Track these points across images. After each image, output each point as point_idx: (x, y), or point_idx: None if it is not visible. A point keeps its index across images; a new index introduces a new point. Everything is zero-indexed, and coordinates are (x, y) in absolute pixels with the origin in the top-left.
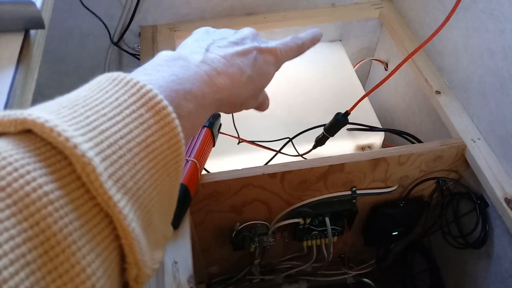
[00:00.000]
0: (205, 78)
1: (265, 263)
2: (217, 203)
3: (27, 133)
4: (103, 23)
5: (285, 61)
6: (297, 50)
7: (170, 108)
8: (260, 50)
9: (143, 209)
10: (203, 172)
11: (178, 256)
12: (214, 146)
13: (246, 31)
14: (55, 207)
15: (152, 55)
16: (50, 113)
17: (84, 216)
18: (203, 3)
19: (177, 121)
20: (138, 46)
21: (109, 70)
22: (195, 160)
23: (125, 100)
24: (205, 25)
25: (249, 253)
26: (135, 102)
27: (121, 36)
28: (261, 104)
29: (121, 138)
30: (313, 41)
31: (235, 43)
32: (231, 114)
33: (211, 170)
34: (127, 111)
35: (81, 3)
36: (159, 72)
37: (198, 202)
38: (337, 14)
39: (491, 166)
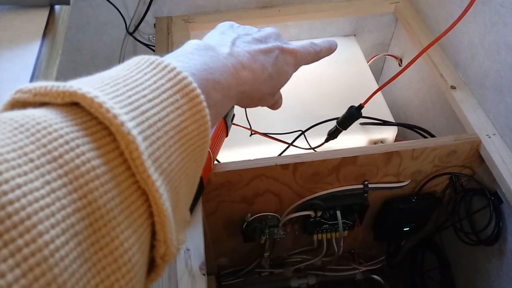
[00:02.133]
0: (231, 70)
1: (274, 256)
2: (229, 193)
3: (74, 106)
4: (120, 13)
5: (302, 64)
6: (315, 55)
7: (202, 97)
8: (282, 50)
9: (173, 190)
10: (215, 162)
11: (191, 243)
12: (227, 136)
13: (270, 30)
14: (101, 182)
15: (167, 46)
16: (95, 89)
17: (124, 192)
18: None
19: (207, 110)
20: (153, 37)
21: (124, 61)
22: (209, 149)
23: (163, 84)
24: (219, 18)
25: (259, 245)
26: (172, 87)
27: (137, 27)
28: (276, 102)
29: (159, 120)
30: (330, 50)
31: (259, 41)
32: None
33: (223, 161)
34: (165, 95)
35: None
36: (191, 60)
37: (210, 191)
38: (352, 8)
39: (506, 161)
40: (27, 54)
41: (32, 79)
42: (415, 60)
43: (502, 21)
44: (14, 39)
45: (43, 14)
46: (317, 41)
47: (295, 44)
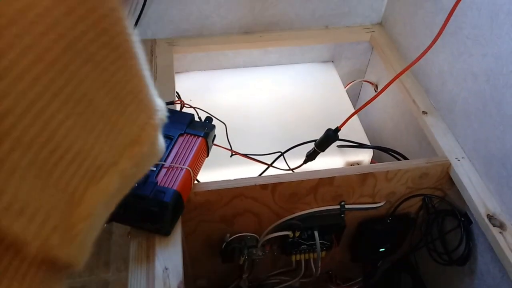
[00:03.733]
0: None
1: (253, 277)
2: (209, 212)
3: None
4: None
5: None
6: None
7: None
8: None
9: None
10: (195, 182)
11: (169, 262)
12: (207, 156)
13: None
14: None
15: (150, 68)
16: None
17: None
18: (202, 20)
19: None
20: None
21: None
22: (189, 168)
23: None
24: (202, 42)
25: (238, 266)
26: None
27: None
28: None
29: None
30: None
31: None
32: (224, 128)
33: (204, 181)
34: None
35: None
36: None
37: (190, 211)
38: (330, 36)
39: (474, 183)
40: None
41: None
42: (388, 86)
43: (468, 51)
44: None
45: None
46: None
47: None
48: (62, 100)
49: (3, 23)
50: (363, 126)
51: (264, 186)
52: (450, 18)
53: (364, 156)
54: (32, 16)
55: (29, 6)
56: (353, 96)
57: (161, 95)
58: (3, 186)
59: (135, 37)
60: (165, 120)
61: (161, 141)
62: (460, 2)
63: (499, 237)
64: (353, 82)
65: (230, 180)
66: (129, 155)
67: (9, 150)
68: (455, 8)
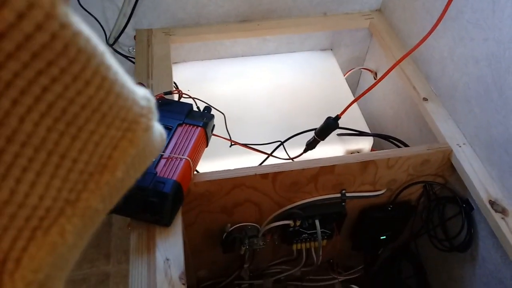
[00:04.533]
0: None
1: (254, 267)
2: (209, 203)
3: None
4: (100, 24)
5: None
6: None
7: None
8: None
9: None
10: (195, 172)
11: (170, 253)
12: (207, 146)
13: None
14: None
15: (146, 58)
16: None
17: None
18: (198, 9)
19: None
20: (133, 49)
21: None
22: (189, 159)
23: None
24: (199, 31)
25: (239, 256)
26: None
27: (117, 39)
28: None
29: None
30: None
31: None
32: (223, 118)
33: (203, 172)
34: None
35: (79, 3)
36: None
37: (190, 201)
38: (328, 23)
39: (476, 169)
40: None
41: None
42: (388, 73)
43: (469, 36)
44: None
45: None
46: None
47: None
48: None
49: None
50: (363, 114)
51: (264, 176)
52: (451, 2)
53: (365, 144)
54: None
55: None
56: (353, 84)
57: (159, 86)
58: None
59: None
60: (153, 110)
61: (157, 136)
62: None
63: (501, 223)
64: (352, 70)
65: (230, 170)
66: (124, 157)
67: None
68: None
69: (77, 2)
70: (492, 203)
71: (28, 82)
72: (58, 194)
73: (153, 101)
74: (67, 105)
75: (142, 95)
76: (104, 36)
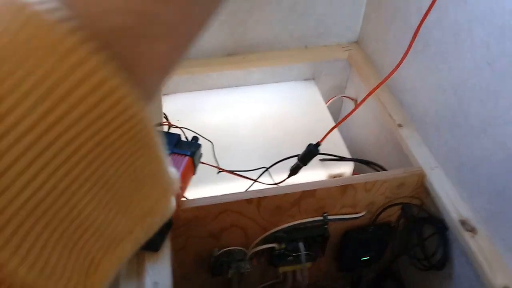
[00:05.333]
0: None
1: None
2: (197, 228)
3: None
4: None
5: None
6: None
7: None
8: None
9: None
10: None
11: (159, 277)
12: (194, 174)
13: None
14: None
15: None
16: None
17: None
18: None
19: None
20: None
21: None
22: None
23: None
24: (187, 64)
25: (227, 280)
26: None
27: None
28: None
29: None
30: None
31: None
32: (211, 146)
33: (191, 198)
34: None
35: None
36: None
37: (179, 227)
38: (309, 55)
39: (447, 191)
40: None
41: None
42: (363, 101)
43: (435, 66)
44: None
45: None
46: None
47: None
48: (89, 186)
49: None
50: (345, 141)
51: (249, 201)
52: (416, 37)
53: (346, 169)
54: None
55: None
56: (335, 111)
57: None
58: (34, 247)
59: (152, 122)
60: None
61: (173, 205)
62: (427, 21)
63: (470, 241)
64: (333, 98)
65: (216, 196)
66: (143, 225)
67: (44, 225)
68: (419, 28)
69: None
70: (463, 222)
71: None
72: (125, 225)
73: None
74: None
75: (173, 174)
76: None
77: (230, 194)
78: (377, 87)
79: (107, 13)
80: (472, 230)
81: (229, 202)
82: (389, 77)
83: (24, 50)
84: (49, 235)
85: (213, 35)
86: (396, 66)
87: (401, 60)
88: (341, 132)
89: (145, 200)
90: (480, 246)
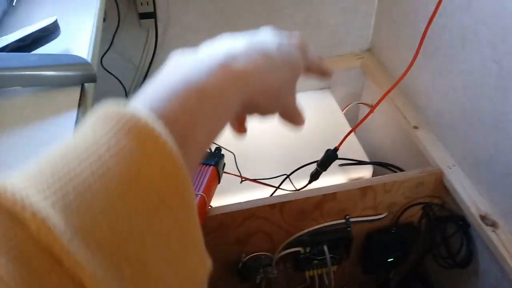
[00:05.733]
0: (219, 69)
1: None
2: (224, 235)
3: None
4: (120, 82)
5: (307, 62)
6: (315, 67)
7: (156, 123)
8: (290, 44)
9: (126, 261)
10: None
11: None
12: (219, 183)
13: (265, 28)
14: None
15: None
16: (22, 175)
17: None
18: None
19: (166, 137)
20: None
21: None
22: (204, 194)
23: (100, 130)
24: None
25: (255, 286)
26: (110, 129)
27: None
28: (297, 113)
29: (92, 174)
30: (324, 72)
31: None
32: (233, 157)
33: (216, 206)
34: (102, 141)
35: (101, 65)
36: (167, 77)
37: (206, 234)
38: None
39: (466, 188)
40: (69, 120)
41: None
42: (377, 105)
43: (446, 69)
44: (58, 109)
45: (77, 90)
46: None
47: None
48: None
49: None
50: (364, 145)
51: (272, 206)
52: (423, 41)
53: (365, 173)
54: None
55: None
56: (352, 118)
57: None
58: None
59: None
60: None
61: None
62: (434, 26)
63: (492, 236)
64: (349, 105)
65: (240, 202)
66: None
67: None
68: (426, 32)
69: (99, 63)
70: (483, 217)
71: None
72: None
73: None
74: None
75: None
76: (124, 92)
77: (253, 200)
78: (390, 90)
79: None
80: (493, 224)
81: (253, 208)
82: (400, 80)
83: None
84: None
85: None
86: (406, 70)
87: (410, 63)
88: (358, 137)
89: (188, 263)
90: (502, 239)
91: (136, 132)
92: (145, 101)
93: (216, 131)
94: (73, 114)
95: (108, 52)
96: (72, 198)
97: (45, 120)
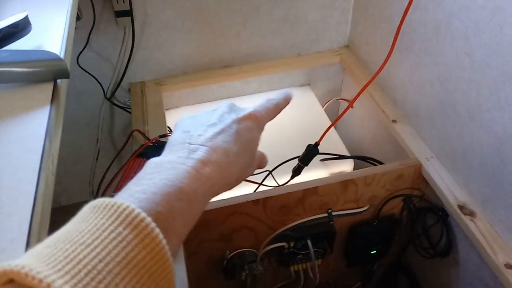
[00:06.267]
0: (192, 173)
1: None
2: (208, 232)
3: (13, 282)
4: (98, 81)
5: (266, 122)
6: (274, 110)
7: (148, 219)
8: (239, 121)
9: None
10: None
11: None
12: None
13: (222, 107)
14: None
15: (141, 107)
16: (32, 257)
17: None
18: (185, 60)
19: (156, 231)
20: (129, 101)
21: (103, 124)
22: None
23: (103, 224)
24: (187, 79)
25: (241, 282)
26: (113, 222)
27: (113, 93)
28: (259, 165)
29: (100, 261)
30: (286, 100)
31: (214, 124)
32: None
33: None
34: (105, 233)
35: (78, 64)
36: (150, 180)
37: (190, 232)
38: (303, 62)
39: (444, 179)
40: (41, 116)
41: (46, 133)
42: (356, 99)
43: (422, 62)
44: (30, 106)
45: (49, 86)
46: (273, 94)
47: (250, 108)
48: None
49: None
50: (344, 140)
51: (255, 202)
52: (398, 35)
53: (346, 167)
54: None
55: None
56: (333, 114)
57: (154, 131)
58: None
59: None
60: None
61: None
62: (409, 20)
63: (470, 225)
64: (329, 101)
65: (223, 199)
66: None
67: None
68: (400, 26)
69: (75, 62)
70: (461, 207)
71: None
72: None
73: None
74: None
75: None
76: (102, 91)
77: (236, 196)
78: (366, 85)
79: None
80: (470, 213)
81: (236, 204)
82: (376, 75)
83: None
84: None
85: (210, 49)
86: (382, 64)
87: (386, 58)
88: (339, 132)
89: None
90: (480, 228)
91: (134, 226)
92: (139, 200)
93: (191, 222)
94: (46, 110)
95: (84, 51)
96: (83, 276)
97: (17, 117)
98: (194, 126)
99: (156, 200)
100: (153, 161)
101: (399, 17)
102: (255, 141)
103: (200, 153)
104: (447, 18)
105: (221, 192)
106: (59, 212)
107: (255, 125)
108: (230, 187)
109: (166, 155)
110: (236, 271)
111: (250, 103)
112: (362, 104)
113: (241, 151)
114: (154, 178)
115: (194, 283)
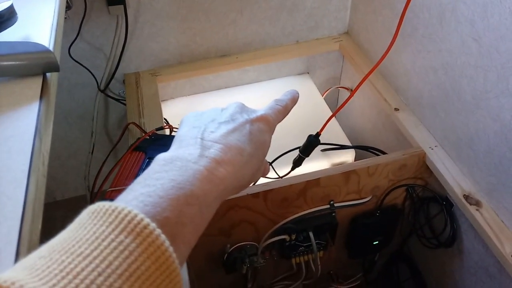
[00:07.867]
0: (205, 174)
1: (258, 286)
2: (207, 227)
3: None
4: (91, 73)
5: (276, 124)
6: (284, 111)
7: (152, 226)
8: (252, 121)
9: None
10: None
11: None
12: None
13: (232, 106)
14: None
15: (137, 99)
16: (23, 269)
17: None
18: (180, 49)
19: (162, 238)
20: (123, 92)
21: (98, 117)
22: None
23: (103, 232)
24: (183, 68)
25: (242, 276)
26: (113, 230)
27: (108, 84)
28: (263, 171)
29: (99, 274)
30: (293, 100)
31: (226, 122)
32: None
33: None
34: (105, 243)
35: (69, 55)
36: (158, 181)
37: None
38: (301, 49)
39: (448, 168)
40: (30, 113)
41: (36, 129)
42: (358, 88)
43: (425, 49)
44: (17, 102)
45: (38, 80)
46: (281, 96)
47: (262, 109)
48: None
49: None
50: (345, 130)
51: (255, 195)
52: (402, 21)
53: (347, 157)
54: None
55: None
56: (333, 102)
57: (150, 123)
58: None
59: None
60: None
61: None
62: (412, 5)
63: (476, 214)
64: (329, 90)
65: None
66: None
67: None
68: (405, 12)
69: (67, 54)
70: (466, 197)
71: None
72: None
73: None
74: None
75: None
76: (96, 83)
77: None
78: (369, 73)
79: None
80: (476, 203)
81: (235, 198)
82: (380, 62)
83: None
84: None
85: (206, 38)
86: (385, 51)
87: (390, 44)
88: (340, 121)
89: None
90: (486, 218)
91: (137, 233)
92: (144, 204)
93: (201, 228)
94: (35, 107)
95: (76, 42)
96: None
97: (4, 113)
98: (204, 122)
99: (163, 204)
100: (161, 157)
101: (400, 2)
102: (267, 144)
103: (214, 151)
104: (452, 3)
105: (231, 195)
106: (53, 207)
107: (267, 128)
108: (240, 190)
109: (176, 150)
110: (237, 265)
111: (248, 93)
112: (363, 92)
113: (254, 152)
114: (162, 178)
115: (195, 278)
